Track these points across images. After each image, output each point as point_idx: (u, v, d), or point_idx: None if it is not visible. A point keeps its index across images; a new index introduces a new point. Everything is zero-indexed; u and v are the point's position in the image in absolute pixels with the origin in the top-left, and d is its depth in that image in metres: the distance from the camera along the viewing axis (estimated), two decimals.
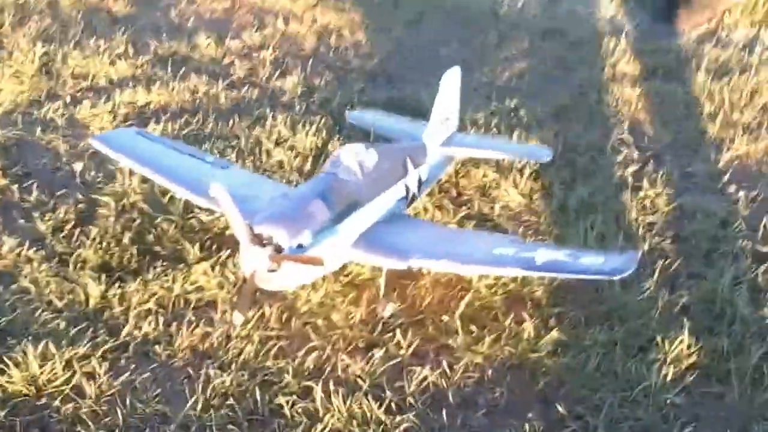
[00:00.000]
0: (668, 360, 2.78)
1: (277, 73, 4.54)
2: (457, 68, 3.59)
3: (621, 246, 3.23)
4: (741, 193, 3.58)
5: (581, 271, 2.78)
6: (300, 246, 2.77)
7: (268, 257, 2.72)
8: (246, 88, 4.40)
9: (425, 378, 2.75)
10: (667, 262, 3.21)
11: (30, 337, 2.84)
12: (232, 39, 4.92)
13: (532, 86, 4.46)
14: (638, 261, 2.83)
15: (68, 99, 4.26)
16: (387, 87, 4.48)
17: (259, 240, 2.74)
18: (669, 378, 2.73)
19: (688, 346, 2.82)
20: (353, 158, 3.01)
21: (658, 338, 2.86)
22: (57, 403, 2.65)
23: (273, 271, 2.75)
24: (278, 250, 2.74)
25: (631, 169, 3.75)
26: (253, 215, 2.81)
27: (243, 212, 2.74)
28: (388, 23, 5.13)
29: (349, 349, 2.87)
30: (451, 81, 3.55)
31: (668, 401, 2.67)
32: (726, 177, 3.69)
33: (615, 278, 2.83)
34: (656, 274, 3.13)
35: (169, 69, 4.56)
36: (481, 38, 5.01)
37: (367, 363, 2.79)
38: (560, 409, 2.65)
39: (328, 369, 2.79)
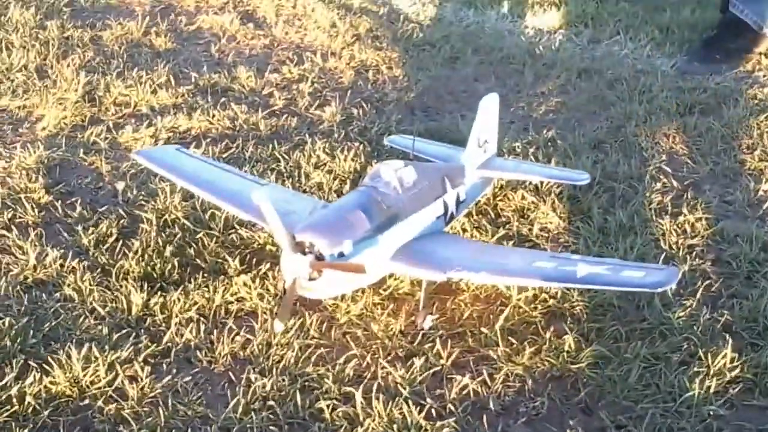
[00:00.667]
0: (711, 373, 2.77)
1: (316, 103, 4.60)
2: (495, 94, 3.63)
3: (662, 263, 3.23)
4: None
5: (622, 284, 2.79)
6: (341, 254, 2.79)
7: (309, 264, 2.74)
8: (285, 116, 4.46)
9: (465, 386, 2.75)
10: (708, 282, 3.20)
11: (73, 341, 2.88)
12: (271, 72, 4.98)
13: (569, 120, 4.48)
14: (679, 276, 2.84)
15: (110, 124, 4.33)
16: (425, 118, 4.52)
17: (300, 248, 2.77)
18: (712, 390, 2.71)
19: (731, 360, 2.80)
20: (392, 173, 3.04)
21: (701, 352, 2.84)
22: (100, 403, 2.67)
23: (314, 279, 2.77)
24: (319, 258, 2.77)
25: (670, 195, 3.75)
26: (294, 226, 2.84)
27: (284, 224, 2.77)
28: (425, 61, 5.18)
29: (389, 357, 2.88)
30: (490, 106, 3.59)
31: (711, 413, 2.65)
32: (765, 205, 3.68)
33: (657, 291, 2.84)
34: (698, 294, 3.12)
35: (210, 98, 4.63)
36: (517, 76, 5.03)
37: (407, 371, 2.80)
38: (602, 417, 2.64)
39: (368, 376, 2.80)
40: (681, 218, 3.57)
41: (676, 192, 3.80)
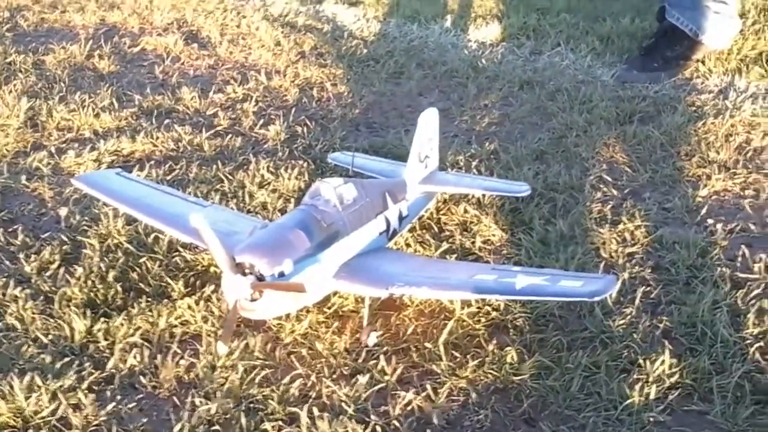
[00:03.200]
0: (650, 380, 2.80)
1: (261, 122, 4.61)
2: (434, 109, 3.65)
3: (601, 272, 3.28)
4: (719, 226, 3.62)
5: (560, 294, 2.82)
6: (282, 274, 2.80)
7: (250, 285, 2.75)
8: (229, 136, 4.46)
9: (410, 402, 2.77)
10: (647, 289, 3.24)
11: (16, 371, 2.86)
12: (215, 92, 4.99)
13: (511, 132, 4.53)
14: (618, 285, 2.88)
15: (53, 149, 4.31)
16: (368, 134, 4.55)
17: (240, 269, 2.78)
18: (652, 397, 2.75)
19: (670, 366, 2.84)
20: (332, 191, 3.05)
21: (641, 360, 2.88)
22: None
23: (255, 299, 2.78)
24: (260, 278, 2.78)
25: (610, 204, 3.80)
26: (234, 247, 2.85)
27: (224, 245, 2.78)
28: (369, 77, 5.22)
29: (334, 376, 2.89)
30: (429, 121, 3.61)
31: (651, 419, 2.69)
32: (703, 211, 3.74)
33: (595, 299, 2.87)
34: (637, 301, 3.16)
35: (154, 120, 4.62)
36: (460, 89, 5.08)
37: (352, 389, 2.81)
38: (545, 428, 2.67)
39: (313, 395, 2.81)
40: (621, 226, 3.62)
41: (616, 200, 3.85)
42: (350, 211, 3.06)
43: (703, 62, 5.24)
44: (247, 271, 2.76)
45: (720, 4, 5.14)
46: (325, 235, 2.94)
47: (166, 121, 4.62)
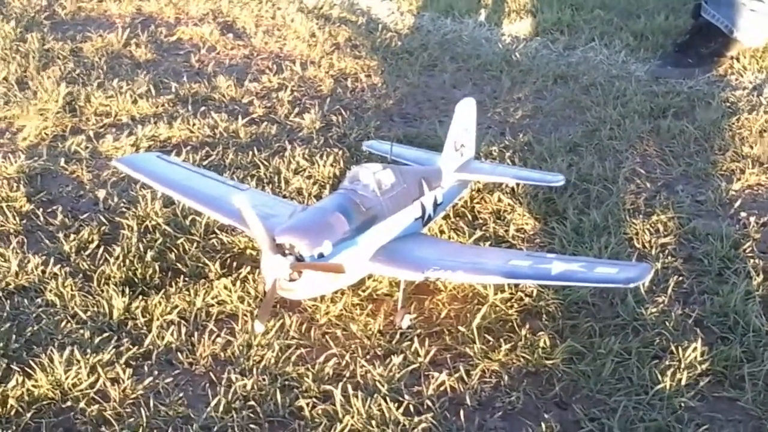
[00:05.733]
0: (682, 366, 2.82)
1: (296, 111, 4.65)
2: (471, 99, 3.68)
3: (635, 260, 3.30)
4: (752, 219, 3.63)
5: (596, 281, 2.85)
6: (321, 255, 2.84)
7: (289, 266, 2.79)
8: (265, 124, 4.51)
9: (443, 383, 2.80)
10: (680, 279, 3.26)
11: (55, 345, 2.91)
12: (251, 81, 5.03)
13: (545, 125, 4.54)
14: (652, 272, 2.90)
15: (91, 134, 4.37)
16: (402, 124, 4.58)
17: (280, 249, 2.82)
18: (683, 383, 2.77)
19: (702, 354, 2.86)
20: (371, 176, 3.09)
21: (672, 347, 2.90)
22: (82, 405, 2.71)
23: (294, 280, 2.82)
24: (299, 259, 2.82)
25: (644, 196, 3.81)
26: (274, 229, 2.89)
27: (264, 227, 2.82)
28: (403, 69, 5.24)
29: (368, 356, 2.93)
30: (466, 110, 3.64)
31: (682, 404, 2.71)
32: (737, 204, 3.75)
33: (630, 286, 2.89)
34: (669, 290, 3.18)
35: (190, 107, 4.67)
36: (494, 83, 5.10)
37: (386, 369, 2.84)
38: (576, 411, 2.69)
39: (348, 375, 2.85)
40: (654, 218, 3.64)
41: (649, 193, 3.86)
42: (388, 196, 3.10)
43: (737, 59, 5.24)
44: (287, 251, 2.80)
45: (756, 2, 5.14)
46: (363, 219, 2.98)
47: (203, 108, 4.66)
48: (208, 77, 5.09)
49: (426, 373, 2.85)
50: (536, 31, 5.85)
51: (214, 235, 3.49)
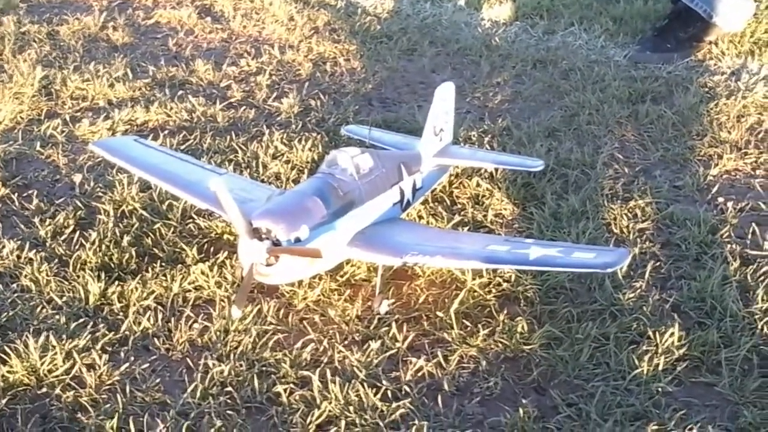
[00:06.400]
0: (659, 351, 2.83)
1: (274, 95, 4.62)
2: (451, 83, 3.67)
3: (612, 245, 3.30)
4: (729, 204, 3.64)
5: (574, 266, 2.85)
6: (297, 240, 2.83)
7: (266, 250, 2.78)
8: (243, 108, 4.48)
9: (421, 368, 2.80)
10: (657, 264, 3.27)
11: (31, 331, 2.89)
12: (229, 65, 5.01)
13: (524, 109, 4.54)
14: (629, 257, 2.90)
15: (67, 117, 4.34)
16: (381, 109, 4.56)
17: (257, 234, 2.80)
18: (660, 368, 2.78)
19: (679, 339, 2.87)
20: (349, 160, 3.08)
21: (650, 332, 2.91)
22: (58, 391, 2.69)
23: (271, 264, 2.81)
24: (276, 243, 2.80)
25: (622, 181, 3.81)
26: (251, 213, 2.87)
27: (241, 211, 2.80)
28: (382, 53, 5.22)
29: (346, 342, 2.92)
30: (445, 95, 3.62)
31: (659, 389, 2.71)
32: (714, 190, 3.76)
33: (607, 271, 2.90)
34: (647, 275, 3.19)
35: (167, 91, 4.64)
36: (473, 67, 5.09)
37: (364, 354, 2.84)
38: (554, 396, 2.69)
39: (325, 360, 2.84)
40: (632, 203, 3.65)
41: (628, 178, 3.87)
42: (366, 180, 3.09)
43: (716, 44, 5.24)
44: (263, 236, 2.79)
45: None
46: (341, 203, 2.97)
47: (180, 92, 4.64)
48: (185, 61, 5.06)
49: (404, 358, 2.84)
50: (516, 16, 5.83)
51: (191, 220, 3.47)
